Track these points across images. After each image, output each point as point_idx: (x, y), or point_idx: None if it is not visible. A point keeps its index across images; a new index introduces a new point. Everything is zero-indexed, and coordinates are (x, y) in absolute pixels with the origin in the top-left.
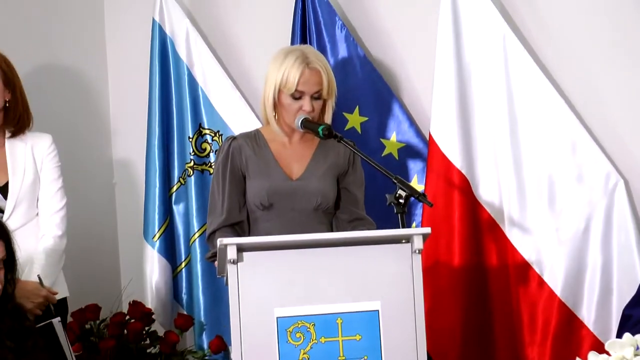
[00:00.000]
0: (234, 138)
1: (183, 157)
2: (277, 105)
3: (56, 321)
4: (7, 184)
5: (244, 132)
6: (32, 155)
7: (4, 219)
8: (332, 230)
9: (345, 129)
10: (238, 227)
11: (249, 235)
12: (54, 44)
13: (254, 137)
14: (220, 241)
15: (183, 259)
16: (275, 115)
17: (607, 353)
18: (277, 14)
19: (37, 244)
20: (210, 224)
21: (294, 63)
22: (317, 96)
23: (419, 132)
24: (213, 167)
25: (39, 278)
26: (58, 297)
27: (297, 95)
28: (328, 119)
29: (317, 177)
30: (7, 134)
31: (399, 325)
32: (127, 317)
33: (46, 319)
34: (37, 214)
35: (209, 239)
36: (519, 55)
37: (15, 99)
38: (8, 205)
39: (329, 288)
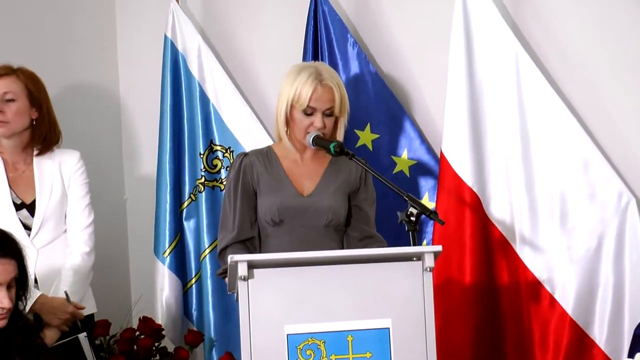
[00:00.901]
0: (245, 154)
1: (194, 173)
2: (289, 121)
3: (82, 336)
4: (34, 202)
5: (256, 148)
6: (60, 173)
7: (31, 236)
8: (342, 248)
9: (357, 146)
10: (249, 243)
11: (260, 251)
12: (65, 60)
13: (265, 154)
14: (231, 258)
15: (193, 275)
16: (287, 131)
17: None
18: (289, 30)
19: (65, 260)
20: (222, 240)
21: (307, 79)
22: (329, 113)
23: (430, 150)
24: (224, 183)
25: (66, 294)
26: (85, 312)
27: (308, 112)
28: (340, 136)
29: (328, 194)
30: (35, 151)
31: (410, 343)
32: (137, 333)
33: (73, 334)
34: (65, 230)
35: (220, 255)
36: (531, 73)
37: (42, 116)
38: (35, 223)
39: (339, 305)
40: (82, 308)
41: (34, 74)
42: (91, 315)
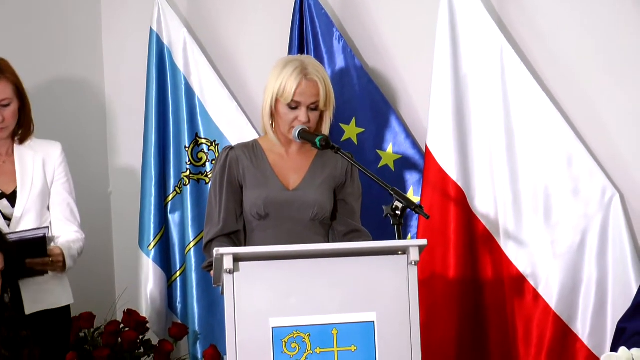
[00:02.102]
0: (231, 148)
1: (179, 166)
2: (274, 114)
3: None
4: (14, 192)
5: (242, 142)
6: (42, 164)
7: (12, 227)
8: (328, 241)
9: (342, 140)
10: (234, 237)
11: (245, 245)
12: (51, 52)
13: (251, 148)
14: (217, 251)
15: (178, 268)
16: (272, 125)
17: None
18: (275, 24)
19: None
20: (207, 234)
21: (292, 73)
22: (313, 107)
23: (415, 144)
24: (209, 176)
25: (47, 237)
26: (62, 303)
27: (293, 105)
28: (325, 130)
29: (314, 187)
30: (17, 141)
31: (395, 336)
32: (122, 326)
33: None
34: (46, 220)
35: (205, 248)
36: (516, 68)
37: (24, 105)
38: (16, 214)
39: (324, 299)
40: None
41: (10, 65)
42: (67, 307)
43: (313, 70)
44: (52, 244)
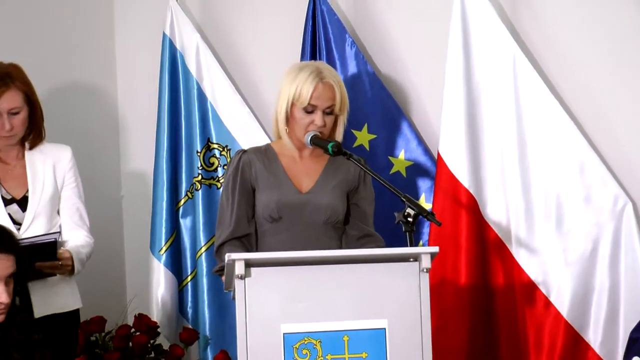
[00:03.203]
0: (244, 151)
1: (191, 171)
2: (289, 119)
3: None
4: (25, 197)
5: (255, 146)
6: (53, 169)
7: (22, 231)
8: (341, 246)
9: (354, 146)
10: (245, 240)
11: (256, 248)
12: (63, 57)
13: (264, 151)
14: (228, 256)
15: (189, 273)
16: (287, 129)
17: None
18: (288, 29)
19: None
20: (219, 237)
21: (308, 77)
22: (329, 111)
23: (427, 151)
24: (221, 181)
25: (58, 242)
26: (70, 307)
27: (309, 109)
28: (339, 134)
29: (327, 191)
30: (27, 146)
31: (406, 343)
32: (132, 330)
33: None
34: (56, 224)
35: (217, 252)
36: (529, 76)
37: (34, 111)
38: (27, 218)
39: (336, 305)
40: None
41: (22, 72)
42: (76, 311)
43: (329, 74)
44: (62, 248)
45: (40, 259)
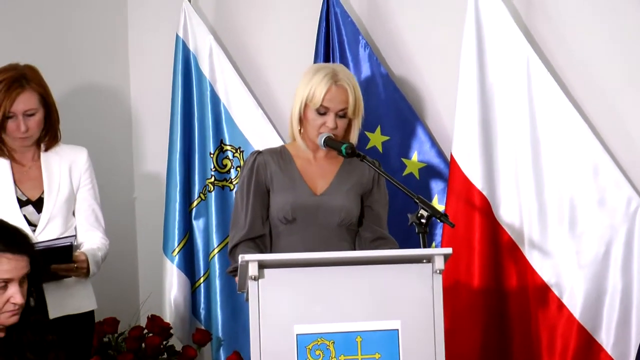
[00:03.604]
0: (259, 152)
1: (204, 172)
2: (302, 119)
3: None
4: (40, 199)
5: (270, 147)
6: (69, 170)
7: (37, 232)
8: (354, 248)
9: (367, 147)
10: (259, 241)
11: (270, 249)
12: (77, 59)
13: (279, 153)
14: (242, 257)
15: (202, 274)
16: (300, 130)
17: None
18: (301, 31)
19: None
20: (233, 238)
21: (323, 79)
22: (342, 114)
23: (440, 153)
24: (234, 183)
25: (73, 245)
26: (85, 309)
27: (322, 111)
28: (354, 138)
29: (341, 193)
30: (43, 147)
31: (419, 345)
32: (145, 331)
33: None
34: (71, 225)
35: (230, 253)
36: (542, 78)
37: (50, 113)
38: (42, 219)
39: (349, 306)
40: (84, 268)
41: (38, 73)
42: (91, 312)
43: (344, 77)
44: (78, 251)
45: (56, 262)
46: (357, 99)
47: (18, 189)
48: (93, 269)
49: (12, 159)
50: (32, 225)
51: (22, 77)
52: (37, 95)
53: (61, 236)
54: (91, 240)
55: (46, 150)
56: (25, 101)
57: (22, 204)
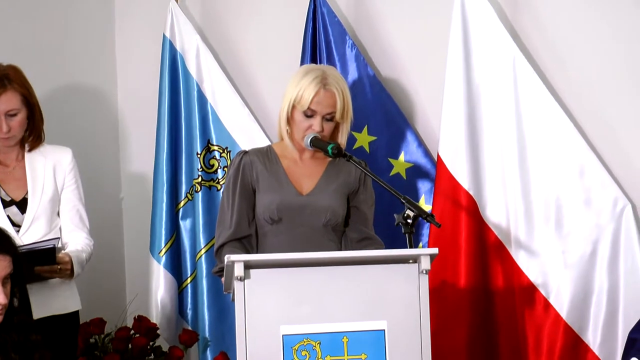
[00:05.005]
0: (245, 152)
1: (191, 173)
2: (290, 120)
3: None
4: (24, 199)
5: (256, 147)
6: (53, 171)
7: (21, 233)
8: (341, 248)
9: (354, 148)
10: (246, 241)
11: (257, 249)
12: (63, 58)
13: (265, 153)
14: (228, 257)
15: (189, 275)
16: (288, 130)
17: None
18: (288, 31)
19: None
20: (219, 237)
21: (312, 81)
22: (329, 118)
23: (427, 153)
24: (221, 183)
25: (57, 247)
26: (70, 309)
27: (309, 113)
28: (342, 141)
29: (327, 193)
30: (27, 148)
31: (405, 345)
32: (132, 332)
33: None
34: (56, 226)
35: (217, 253)
36: (529, 78)
37: (33, 114)
38: (26, 220)
39: (335, 306)
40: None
41: (20, 74)
42: (76, 312)
43: (333, 81)
44: (61, 252)
45: (40, 264)
46: (345, 103)
47: (2, 189)
48: (77, 270)
49: None
50: (16, 225)
51: (4, 77)
52: (20, 95)
53: (44, 239)
54: (75, 240)
55: (30, 150)
56: (7, 101)
57: (5, 204)
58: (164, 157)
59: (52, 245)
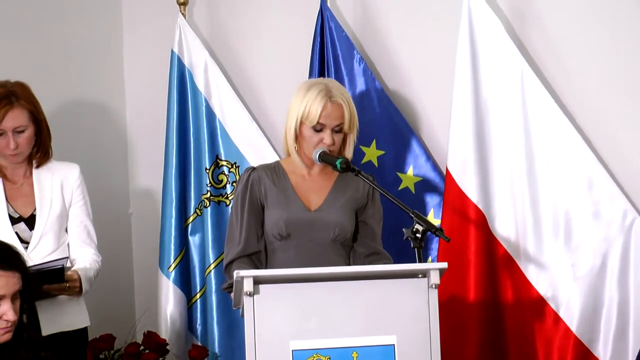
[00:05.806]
0: (253, 169)
1: (200, 188)
2: (298, 136)
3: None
4: (32, 215)
5: (264, 163)
6: (61, 187)
7: (29, 249)
8: (349, 263)
9: (362, 162)
10: (255, 258)
11: (266, 265)
12: (72, 74)
13: (273, 169)
14: (237, 273)
15: (198, 290)
16: (296, 147)
17: None
18: (296, 46)
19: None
20: (228, 254)
21: (317, 96)
22: (338, 129)
23: (435, 167)
24: (230, 198)
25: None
26: (78, 325)
27: (318, 128)
28: (349, 152)
29: (335, 208)
30: (34, 164)
31: (415, 359)
32: (142, 348)
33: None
34: (64, 242)
35: (226, 269)
36: (537, 91)
37: (41, 130)
38: (34, 237)
39: (345, 321)
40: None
41: (28, 90)
42: (84, 329)
43: (337, 92)
44: (70, 270)
45: (49, 282)
46: (352, 113)
47: (10, 206)
48: (85, 287)
49: (4, 177)
50: (25, 242)
51: (12, 94)
52: (27, 112)
53: (53, 256)
54: (83, 257)
55: (38, 167)
56: (15, 118)
57: (14, 221)
58: (172, 173)
59: (60, 266)
